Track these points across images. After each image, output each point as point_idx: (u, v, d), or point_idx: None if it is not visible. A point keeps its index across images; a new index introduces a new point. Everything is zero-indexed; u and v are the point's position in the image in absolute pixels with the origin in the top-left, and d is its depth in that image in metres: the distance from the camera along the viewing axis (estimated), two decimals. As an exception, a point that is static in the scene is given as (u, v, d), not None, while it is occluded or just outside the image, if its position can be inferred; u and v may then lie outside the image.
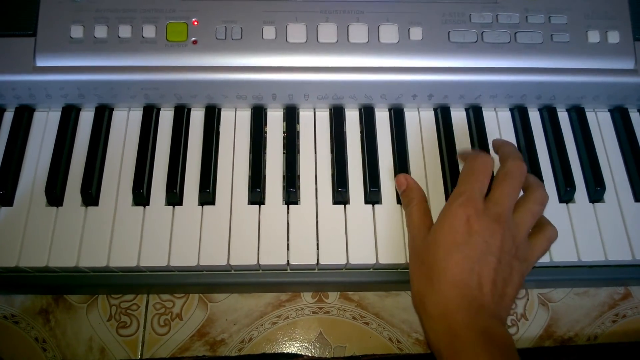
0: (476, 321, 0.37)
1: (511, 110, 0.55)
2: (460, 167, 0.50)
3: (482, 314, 0.38)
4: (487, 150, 0.51)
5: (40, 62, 0.50)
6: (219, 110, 0.53)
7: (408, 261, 0.46)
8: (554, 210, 0.49)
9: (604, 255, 0.48)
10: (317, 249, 0.47)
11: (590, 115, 0.54)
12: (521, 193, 0.45)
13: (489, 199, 0.42)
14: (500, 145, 0.49)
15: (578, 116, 0.54)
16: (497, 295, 0.39)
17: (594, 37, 0.51)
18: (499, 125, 0.54)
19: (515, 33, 0.51)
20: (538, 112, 0.55)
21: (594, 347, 0.51)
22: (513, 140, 0.53)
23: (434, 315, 0.39)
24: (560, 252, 0.48)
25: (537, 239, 0.43)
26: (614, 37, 0.51)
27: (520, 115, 0.54)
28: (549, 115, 0.54)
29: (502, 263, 0.39)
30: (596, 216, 0.50)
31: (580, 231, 0.49)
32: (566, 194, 0.50)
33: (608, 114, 0.55)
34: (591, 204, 0.50)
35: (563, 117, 0.54)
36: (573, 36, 0.51)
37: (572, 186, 0.50)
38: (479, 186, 0.42)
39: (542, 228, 0.44)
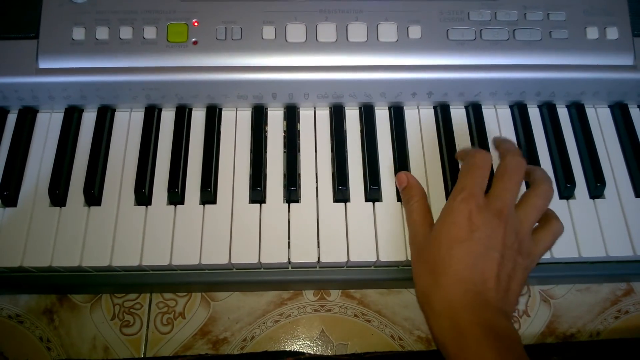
0: (481, 317, 0.37)
1: (511, 107, 0.55)
2: (460, 165, 0.51)
3: (486, 309, 0.38)
4: (487, 148, 0.51)
5: (43, 64, 0.50)
6: (220, 110, 0.54)
7: (409, 258, 0.47)
8: (554, 207, 0.49)
9: (605, 251, 0.48)
10: (318, 247, 0.47)
11: (590, 112, 0.54)
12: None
13: (490, 194, 0.42)
14: (500, 142, 0.49)
15: (578, 112, 0.54)
16: (501, 290, 0.39)
17: (592, 33, 0.52)
18: (499, 122, 0.54)
19: (514, 30, 0.51)
20: (538, 109, 0.55)
21: (597, 343, 0.51)
22: (513, 137, 0.53)
23: (439, 312, 0.39)
24: (561, 249, 0.48)
25: (541, 234, 0.43)
26: (612, 33, 0.52)
27: (519, 112, 0.54)
28: (549, 112, 0.54)
29: (505, 258, 0.40)
30: (597, 212, 0.49)
31: (581, 227, 0.49)
32: (566, 190, 0.50)
33: (608, 110, 0.55)
34: (591, 200, 0.50)
35: (563, 113, 0.54)
36: (572, 33, 0.52)
37: (572, 182, 0.50)
38: (479, 181, 0.42)
39: (547, 222, 0.44)
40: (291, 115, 0.53)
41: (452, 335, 0.38)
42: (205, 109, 0.53)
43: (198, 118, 0.53)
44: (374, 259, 0.47)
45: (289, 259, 0.47)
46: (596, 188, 0.50)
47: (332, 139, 0.52)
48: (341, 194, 0.49)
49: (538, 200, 0.43)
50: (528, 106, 0.54)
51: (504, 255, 0.40)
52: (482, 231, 0.40)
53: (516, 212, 0.42)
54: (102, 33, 0.50)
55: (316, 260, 0.47)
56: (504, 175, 0.43)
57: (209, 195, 0.49)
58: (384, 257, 0.47)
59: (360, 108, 0.54)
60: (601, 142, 0.53)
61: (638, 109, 0.55)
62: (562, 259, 0.48)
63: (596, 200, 0.50)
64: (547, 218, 0.45)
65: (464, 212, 0.40)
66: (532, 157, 0.51)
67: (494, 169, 0.46)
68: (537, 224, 0.44)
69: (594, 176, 0.50)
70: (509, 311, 0.40)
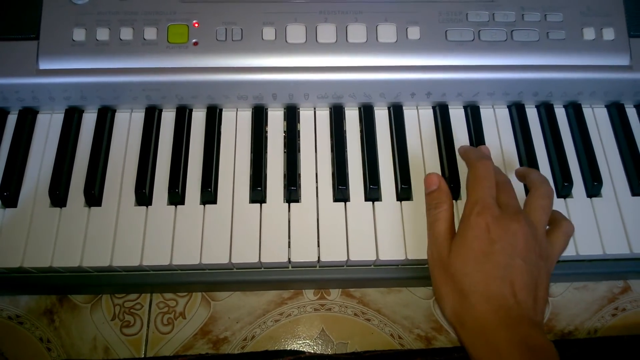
0: (516, 334, 0.37)
1: (509, 107, 0.55)
2: (459, 161, 0.51)
3: (521, 325, 0.37)
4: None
5: (43, 65, 0.50)
6: (220, 110, 0.54)
7: (408, 257, 0.47)
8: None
9: (602, 250, 0.48)
10: (318, 246, 0.48)
11: (587, 111, 0.55)
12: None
13: (500, 204, 0.42)
14: (471, 153, 0.48)
15: (575, 112, 0.55)
16: (531, 300, 0.39)
17: (589, 34, 0.52)
18: (497, 122, 0.54)
19: (512, 31, 0.52)
20: (535, 109, 0.55)
21: (594, 340, 0.52)
22: (511, 137, 0.54)
23: (472, 330, 0.38)
24: (559, 247, 0.48)
25: (554, 235, 0.43)
26: (609, 34, 0.52)
27: (517, 112, 0.54)
28: (546, 112, 0.55)
29: (529, 264, 0.39)
30: (594, 211, 0.50)
31: (578, 226, 0.49)
32: (564, 189, 0.51)
33: (605, 110, 0.56)
34: (589, 198, 0.51)
35: (560, 113, 0.55)
36: (569, 33, 0.52)
37: (569, 181, 0.50)
38: (489, 192, 0.42)
39: (558, 224, 0.44)
40: (291, 116, 0.53)
41: (488, 354, 0.37)
42: (205, 110, 0.54)
43: (198, 118, 0.54)
44: (374, 258, 0.47)
45: (289, 259, 0.47)
46: (593, 187, 0.51)
47: (332, 139, 0.53)
48: (341, 193, 0.50)
49: (543, 200, 0.43)
50: (526, 106, 0.55)
51: (528, 260, 0.39)
52: (503, 240, 0.39)
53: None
54: (103, 34, 0.50)
55: (316, 259, 0.47)
56: (501, 185, 0.43)
57: (209, 195, 0.49)
58: (384, 257, 0.47)
59: (359, 108, 0.54)
60: (598, 141, 0.54)
61: (634, 108, 0.56)
62: (560, 257, 0.48)
63: (593, 199, 0.51)
64: (556, 220, 0.45)
65: (481, 225, 0.40)
66: (530, 157, 0.52)
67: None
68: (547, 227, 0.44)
69: (591, 175, 0.51)
70: (539, 321, 0.39)
